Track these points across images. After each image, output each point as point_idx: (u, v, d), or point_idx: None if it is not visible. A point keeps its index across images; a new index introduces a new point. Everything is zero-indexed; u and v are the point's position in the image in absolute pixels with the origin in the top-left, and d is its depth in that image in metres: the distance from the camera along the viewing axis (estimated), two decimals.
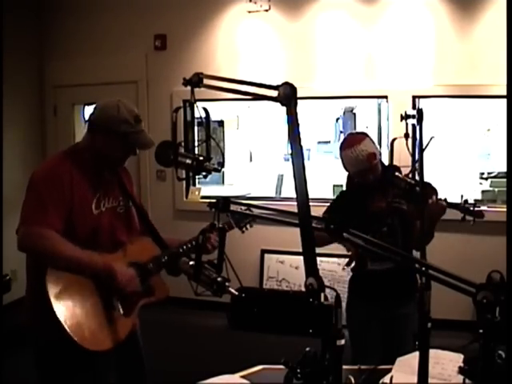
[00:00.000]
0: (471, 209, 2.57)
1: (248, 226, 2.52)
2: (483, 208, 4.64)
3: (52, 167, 2.11)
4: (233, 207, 1.76)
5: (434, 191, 2.57)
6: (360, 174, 2.60)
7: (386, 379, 1.78)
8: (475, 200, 5.88)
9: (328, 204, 2.80)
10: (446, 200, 2.53)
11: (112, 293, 2.09)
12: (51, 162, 2.17)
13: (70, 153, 2.19)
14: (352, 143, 2.58)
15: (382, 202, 2.59)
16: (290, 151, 1.42)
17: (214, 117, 11.52)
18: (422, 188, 2.01)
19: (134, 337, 2.29)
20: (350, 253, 2.53)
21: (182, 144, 1.77)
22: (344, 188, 2.87)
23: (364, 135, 2.63)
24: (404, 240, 2.61)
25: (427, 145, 1.97)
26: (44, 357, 2.12)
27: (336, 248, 2.60)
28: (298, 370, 1.37)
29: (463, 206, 2.56)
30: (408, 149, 2.08)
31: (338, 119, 16.42)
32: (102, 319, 2.05)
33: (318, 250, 1.39)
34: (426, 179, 2.00)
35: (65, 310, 1.96)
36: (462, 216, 2.57)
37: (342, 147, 2.63)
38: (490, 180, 7.54)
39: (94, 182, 2.16)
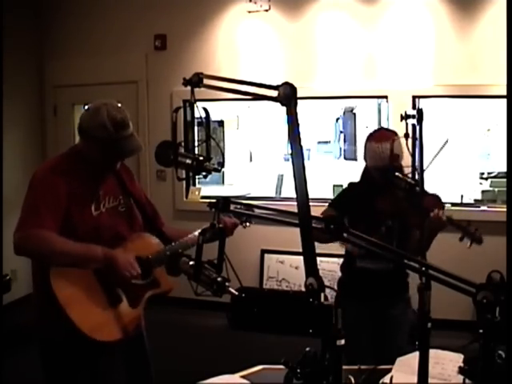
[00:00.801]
0: (472, 232, 2.50)
1: (248, 223, 2.51)
2: (483, 208, 4.68)
3: (49, 171, 2.11)
4: (232, 207, 1.76)
5: (440, 204, 2.55)
6: (378, 169, 2.59)
7: (386, 379, 1.78)
8: (475, 200, 5.89)
9: (327, 204, 2.79)
10: (450, 218, 2.49)
11: (115, 282, 2.09)
12: (49, 165, 2.17)
13: (68, 155, 2.19)
14: (382, 138, 2.57)
15: (387, 202, 2.59)
16: (290, 151, 1.42)
17: (213, 117, 11.50)
18: (422, 189, 2.01)
19: (140, 334, 2.30)
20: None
21: (182, 144, 1.77)
22: (353, 181, 2.82)
23: (395, 134, 2.61)
24: (399, 244, 2.60)
25: (442, 147, 1.96)
26: (50, 355, 2.13)
27: (336, 248, 2.61)
28: (298, 370, 1.37)
29: (465, 228, 2.50)
30: (408, 149, 2.08)
31: (338, 119, 16.39)
32: (109, 310, 2.07)
33: (318, 250, 1.39)
34: (425, 179, 2.00)
35: (71, 303, 1.97)
36: (460, 237, 2.51)
37: (371, 138, 2.62)
38: (490, 180, 7.52)
39: (92, 184, 2.16)
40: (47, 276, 1.97)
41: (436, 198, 2.58)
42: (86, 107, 2.21)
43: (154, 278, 2.22)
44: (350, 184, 2.84)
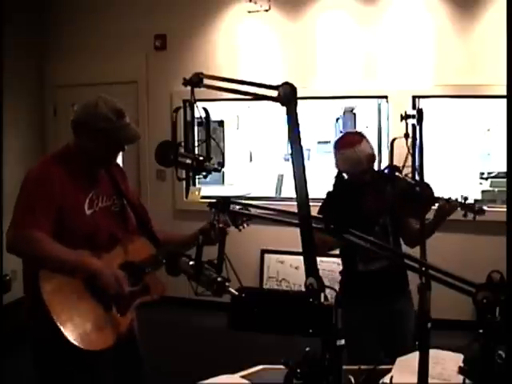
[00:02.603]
0: (471, 205, 2.56)
1: (245, 225, 2.48)
2: (483, 208, 4.67)
3: (42, 171, 2.10)
4: (231, 207, 1.76)
5: (431, 190, 2.55)
6: (358, 175, 2.59)
7: (386, 379, 1.78)
8: (475, 200, 5.89)
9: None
10: (459, 201, 2.52)
11: (104, 293, 2.07)
12: (41, 165, 2.16)
13: (60, 155, 2.18)
14: (352, 143, 2.55)
15: (375, 201, 2.58)
16: (290, 151, 1.42)
17: (213, 117, 11.48)
18: (422, 188, 2.01)
19: (132, 337, 2.28)
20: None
21: (182, 144, 1.77)
22: (331, 189, 2.77)
23: (362, 135, 2.62)
24: (395, 238, 2.61)
25: None
26: (41, 356, 2.12)
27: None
28: (298, 370, 1.37)
29: (463, 203, 2.54)
30: (408, 149, 2.09)
31: (338, 119, 16.40)
32: (97, 319, 2.04)
33: None
34: (425, 179, 2.00)
35: (59, 309, 1.95)
36: (463, 213, 2.55)
37: (340, 146, 2.59)
38: (489, 180, 7.53)
39: (85, 183, 2.16)
40: (36, 278, 1.95)
41: (426, 185, 2.57)
42: (77, 106, 2.20)
43: (144, 283, 2.20)
44: (329, 193, 2.78)
